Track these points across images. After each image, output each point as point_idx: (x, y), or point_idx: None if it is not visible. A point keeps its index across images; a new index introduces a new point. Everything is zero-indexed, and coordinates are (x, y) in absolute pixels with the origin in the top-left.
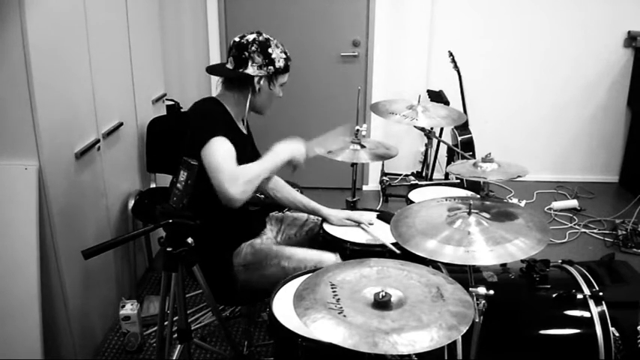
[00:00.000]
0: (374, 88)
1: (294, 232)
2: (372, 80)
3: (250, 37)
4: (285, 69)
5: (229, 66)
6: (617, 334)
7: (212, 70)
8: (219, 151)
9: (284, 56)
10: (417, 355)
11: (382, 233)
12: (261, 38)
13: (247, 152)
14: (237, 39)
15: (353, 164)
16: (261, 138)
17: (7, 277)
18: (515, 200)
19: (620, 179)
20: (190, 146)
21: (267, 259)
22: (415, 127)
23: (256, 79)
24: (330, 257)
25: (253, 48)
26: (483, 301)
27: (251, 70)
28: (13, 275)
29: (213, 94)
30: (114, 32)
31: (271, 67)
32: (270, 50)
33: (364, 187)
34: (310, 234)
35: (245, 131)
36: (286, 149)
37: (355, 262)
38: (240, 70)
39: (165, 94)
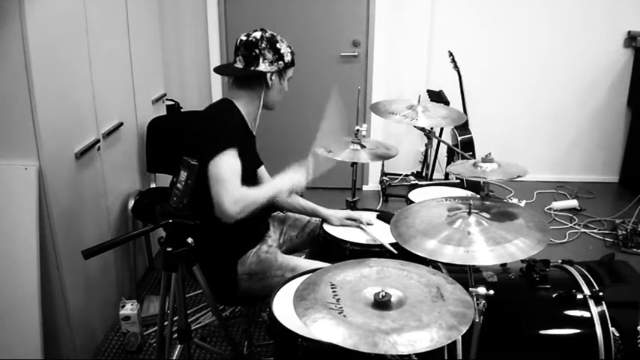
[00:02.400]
0: (374, 88)
1: (295, 233)
2: (372, 80)
3: (257, 35)
4: (292, 62)
5: (239, 65)
6: (617, 334)
7: (221, 70)
8: (229, 167)
9: (289, 50)
10: (417, 355)
11: (382, 233)
12: (267, 35)
13: (253, 154)
14: (243, 37)
15: (353, 164)
16: (262, 138)
17: (8, 277)
18: (515, 200)
19: (620, 179)
20: (198, 149)
21: (272, 270)
22: (415, 127)
23: (268, 75)
24: None
25: (263, 45)
26: (483, 301)
27: (263, 66)
28: (13, 275)
29: (214, 94)
30: (114, 32)
31: (281, 62)
32: (278, 45)
33: (364, 187)
34: (312, 235)
35: (254, 132)
36: (287, 182)
37: (355, 262)
38: (252, 68)
39: (165, 94)
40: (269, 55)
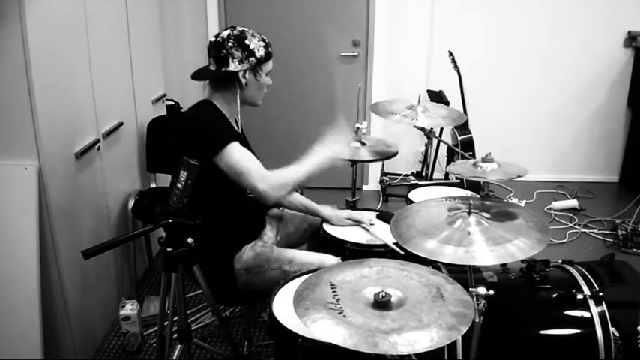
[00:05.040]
0: (374, 88)
1: (292, 230)
2: (372, 80)
3: (225, 34)
4: (267, 56)
5: (212, 67)
6: (617, 334)
7: (197, 75)
8: (242, 156)
9: (263, 44)
10: (417, 355)
11: (384, 233)
12: (235, 32)
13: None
14: (212, 39)
15: (353, 164)
16: (262, 137)
17: (8, 277)
18: (515, 200)
19: (620, 179)
20: (197, 151)
21: (269, 263)
22: (415, 127)
23: (240, 74)
24: (331, 260)
25: (229, 44)
26: (483, 301)
27: (233, 66)
28: (13, 275)
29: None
30: (114, 32)
31: (252, 59)
32: (247, 42)
33: (364, 187)
34: (308, 232)
35: (239, 130)
36: (327, 156)
37: (355, 262)
38: (223, 69)
39: (165, 94)
40: (237, 54)
